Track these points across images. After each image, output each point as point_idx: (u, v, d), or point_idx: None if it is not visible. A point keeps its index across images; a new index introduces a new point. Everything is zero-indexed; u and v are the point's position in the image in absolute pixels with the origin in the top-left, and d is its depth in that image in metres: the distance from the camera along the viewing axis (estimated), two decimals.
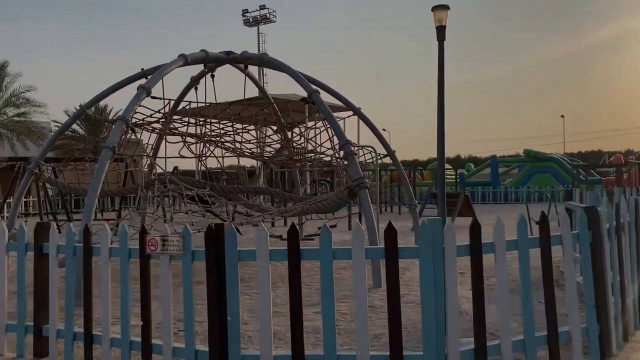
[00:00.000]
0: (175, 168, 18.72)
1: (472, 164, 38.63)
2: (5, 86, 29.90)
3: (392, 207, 24.35)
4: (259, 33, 51.90)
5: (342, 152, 8.49)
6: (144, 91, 7.59)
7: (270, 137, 9.98)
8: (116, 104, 45.03)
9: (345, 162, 8.03)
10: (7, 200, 16.86)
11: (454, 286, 3.43)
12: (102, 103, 30.50)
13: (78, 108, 9.06)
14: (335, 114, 10.20)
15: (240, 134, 9.18)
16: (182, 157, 8.86)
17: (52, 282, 4.32)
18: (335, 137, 8.50)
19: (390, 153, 10.03)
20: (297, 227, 3.62)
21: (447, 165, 40.64)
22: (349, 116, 10.12)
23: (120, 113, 7.77)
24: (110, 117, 32.83)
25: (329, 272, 3.44)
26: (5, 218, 18.02)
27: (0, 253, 4.51)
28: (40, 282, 4.36)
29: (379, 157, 9.70)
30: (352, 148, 7.37)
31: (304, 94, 9.77)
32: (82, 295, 4.13)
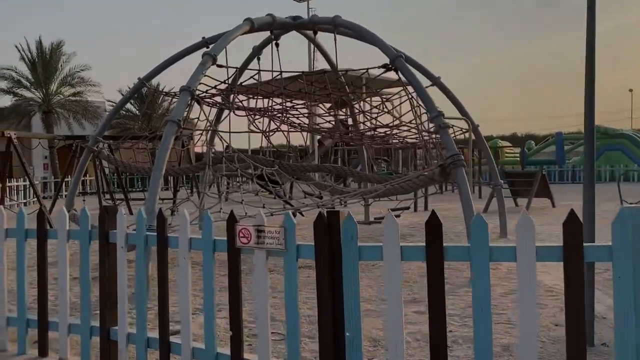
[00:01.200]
0: (228, 146, 18.15)
1: (532, 142, 36.54)
2: (61, 66, 30.13)
3: (453, 187, 23.09)
4: (308, 8, 50.64)
5: (427, 126, 7.56)
6: (210, 58, 6.83)
7: (342, 112, 9.07)
8: (168, 82, 45.16)
9: (434, 137, 7.11)
10: (65, 179, 16.76)
11: None
12: (154, 81, 30.26)
13: (136, 81, 8.42)
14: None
15: (310, 108, 8.33)
16: (252, 132, 8.12)
17: (120, 278, 3.63)
18: (418, 109, 7.55)
19: (474, 127, 8.99)
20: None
21: (506, 143, 38.83)
22: (427, 87, 9.09)
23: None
24: (164, 100, 32.76)
25: (484, 278, 2.56)
26: (63, 197, 18.03)
27: (61, 242, 3.86)
28: (106, 278, 3.68)
29: (461, 132, 8.68)
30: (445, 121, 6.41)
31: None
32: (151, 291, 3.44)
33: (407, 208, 9.66)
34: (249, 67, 8.82)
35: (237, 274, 3.10)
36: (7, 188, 15.45)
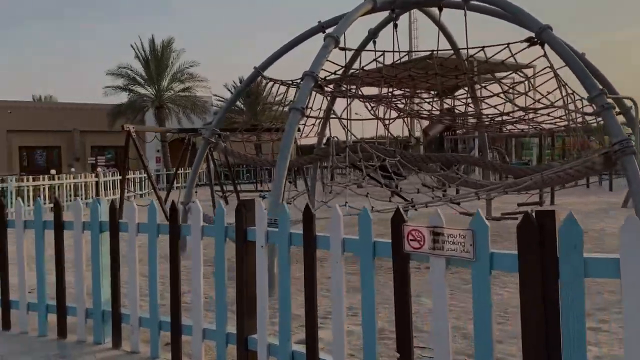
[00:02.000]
0: (329, 138, 17.77)
1: None
2: (171, 62, 31.47)
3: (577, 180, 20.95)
4: None
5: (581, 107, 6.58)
6: (332, 41, 6.34)
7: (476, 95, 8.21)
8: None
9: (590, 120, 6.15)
10: (178, 172, 17.25)
11: None
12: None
13: (248, 75, 8.19)
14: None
15: (440, 92, 7.61)
16: (377, 118, 7.57)
17: (260, 280, 3.23)
18: (565, 88, 6.59)
19: (630, 109, 7.78)
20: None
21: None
22: (562, 66, 8.00)
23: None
24: (269, 94, 33.19)
25: None
26: (176, 189, 18.65)
27: (195, 239, 3.54)
28: (243, 280, 3.29)
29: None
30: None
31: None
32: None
33: (539, 203, 8.65)
34: (366, 49, 8.25)
35: (406, 285, 2.55)
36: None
